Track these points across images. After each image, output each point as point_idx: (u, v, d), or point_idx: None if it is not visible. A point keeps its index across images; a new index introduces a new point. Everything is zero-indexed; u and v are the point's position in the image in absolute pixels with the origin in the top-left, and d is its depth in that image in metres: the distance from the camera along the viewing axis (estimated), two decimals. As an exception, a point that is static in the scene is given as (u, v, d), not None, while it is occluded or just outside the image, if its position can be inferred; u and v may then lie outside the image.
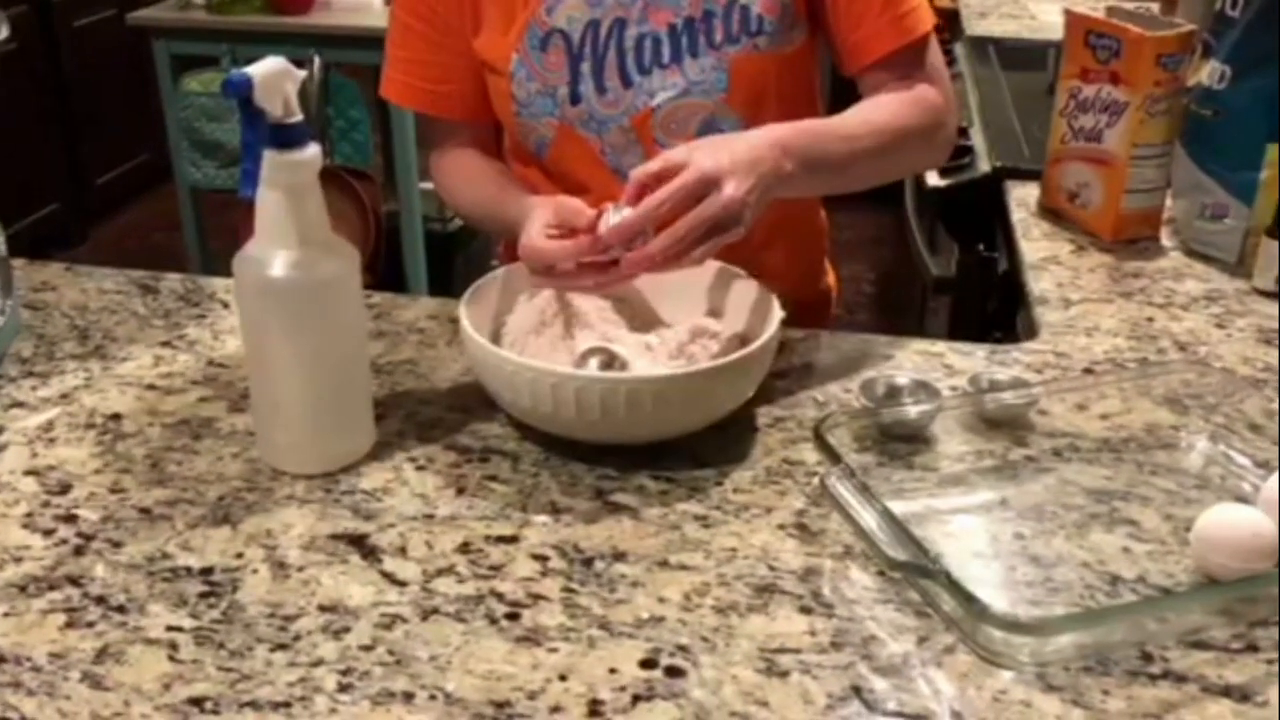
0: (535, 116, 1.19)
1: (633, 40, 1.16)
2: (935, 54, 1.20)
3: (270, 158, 0.88)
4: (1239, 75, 1.34)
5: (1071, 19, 1.46)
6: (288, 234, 0.90)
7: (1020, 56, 2.30)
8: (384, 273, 2.99)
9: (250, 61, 0.89)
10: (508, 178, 1.24)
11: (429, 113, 1.26)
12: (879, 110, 1.15)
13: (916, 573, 0.81)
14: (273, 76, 0.87)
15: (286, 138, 0.88)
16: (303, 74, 0.90)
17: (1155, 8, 2.01)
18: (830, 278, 1.42)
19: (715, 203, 0.96)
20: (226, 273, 0.96)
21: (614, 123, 1.18)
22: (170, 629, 0.80)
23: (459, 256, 3.22)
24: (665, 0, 1.15)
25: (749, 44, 1.15)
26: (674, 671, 0.76)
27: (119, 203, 4.32)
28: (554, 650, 0.78)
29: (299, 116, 0.89)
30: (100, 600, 0.82)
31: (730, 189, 0.96)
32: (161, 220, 4.08)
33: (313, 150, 0.90)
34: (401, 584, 0.84)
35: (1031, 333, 1.23)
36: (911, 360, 1.15)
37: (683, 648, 0.78)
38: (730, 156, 0.98)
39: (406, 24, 1.22)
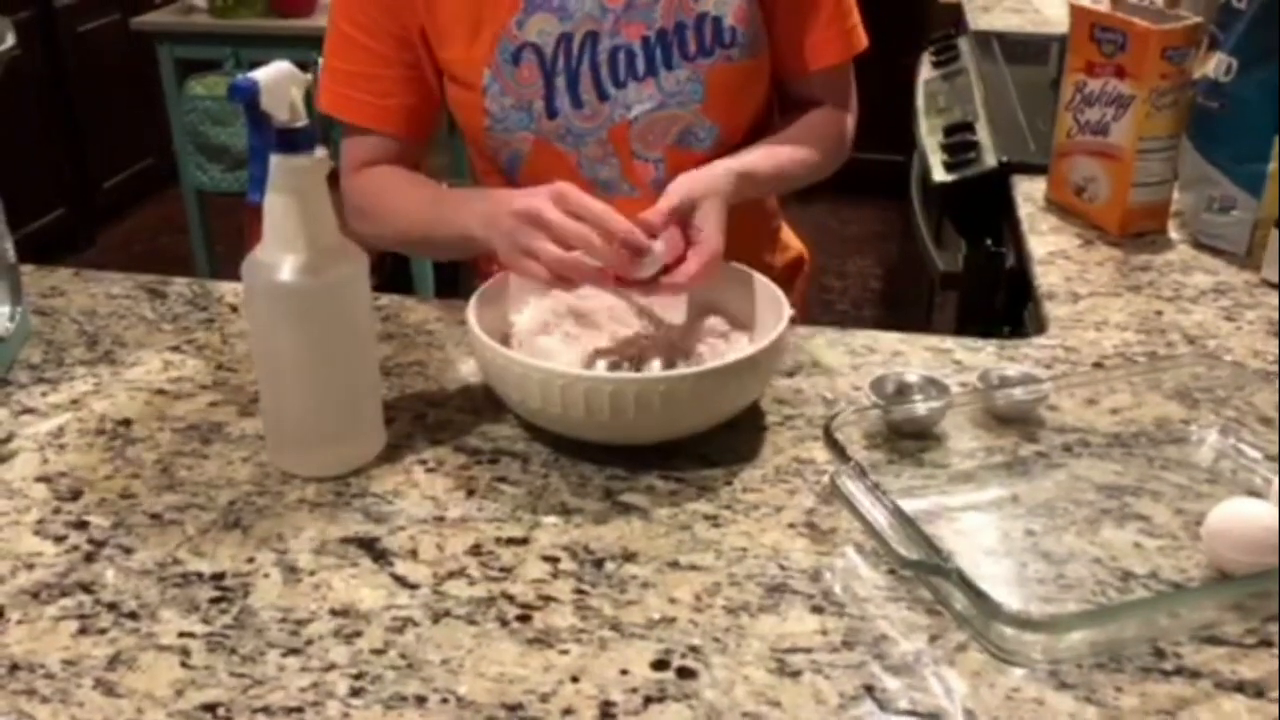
0: (509, 131, 1.19)
1: (606, 53, 1.16)
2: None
3: (277, 162, 0.88)
4: (1245, 67, 1.34)
5: (1077, 13, 1.46)
6: (296, 238, 0.90)
7: (1024, 50, 2.30)
8: (391, 274, 2.99)
9: (254, 64, 0.89)
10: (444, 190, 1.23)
11: (372, 127, 1.22)
12: (809, 147, 1.23)
13: (928, 571, 0.81)
14: (278, 81, 0.87)
15: (293, 142, 0.88)
16: (308, 77, 0.90)
17: (1160, 0, 2.00)
18: (792, 251, 1.44)
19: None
20: (233, 276, 0.96)
21: (591, 136, 1.18)
22: (182, 635, 0.80)
23: (465, 257, 3.21)
24: (637, 13, 1.15)
25: (722, 55, 1.16)
26: (685, 672, 0.76)
27: (126, 207, 4.33)
28: (565, 652, 0.78)
29: (305, 120, 0.89)
30: (112, 607, 0.82)
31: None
32: (168, 224, 4.10)
33: (319, 154, 0.90)
34: (413, 587, 0.84)
35: (1040, 328, 1.23)
36: (920, 357, 1.15)
37: (694, 648, 0.78)
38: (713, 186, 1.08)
39: (349, 36, 1.19)
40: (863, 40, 1.25)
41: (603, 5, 1.15)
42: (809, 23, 1.21)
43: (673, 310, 1.09)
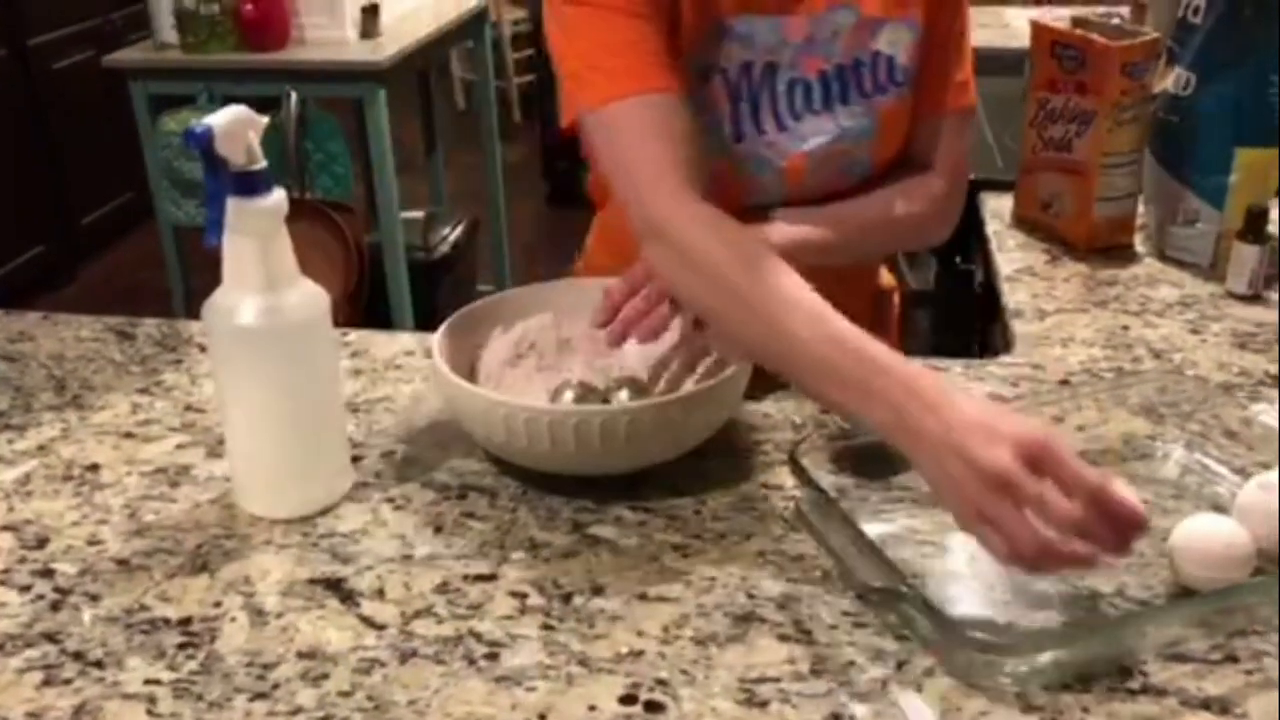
0: None
1: (784, 85, 1.14)
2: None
3: (234, 205, 0.89)
4: (1203, 81, 1.35)
5: (1037, 30, 1.47)
6: (255, 280, 0.90)
7: (993, 65, 2.29)
8: (368, 304, 2.98)
9: (227, 99, 0.90)
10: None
11: (654, 89, 1.05)
12: (894, 215, 1.18)
13: (891, 597, 0.81)
14: (234, 125, 0.87)
15: (250, 185, 0.88)
16: (265, 120, 0.90)
17: (1127, 12, 2.02)
18: (883, 281, 1.40)
19: None
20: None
21: (770, 165, 1.16)
22: (148, 682, 0.79)
23: (443, 284, 3.22)
24: (817, 49, 1.13)
25: (895, 93, 1.15)
26: (654, 706, 0.76)
27: (105, 242, 4.33)
28: (533, 690, 0.78)
29: (262, 164, 0.89)
30: (78, 656, 0.82)
31: None
32: (147, 258, 4.08)
33: (277, 196, 0.90)
34: (380, 627, 0.84)
35: (1008, 345, 1.24)
36: (888, 379, 1.15)
37: (662, 681, 0.78)
38: None
39: (608, 17, 1.07)
40: (970, 96, 1.20)
41: (783, 39, 1.14)
42: (938, 68, 1.17)
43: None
